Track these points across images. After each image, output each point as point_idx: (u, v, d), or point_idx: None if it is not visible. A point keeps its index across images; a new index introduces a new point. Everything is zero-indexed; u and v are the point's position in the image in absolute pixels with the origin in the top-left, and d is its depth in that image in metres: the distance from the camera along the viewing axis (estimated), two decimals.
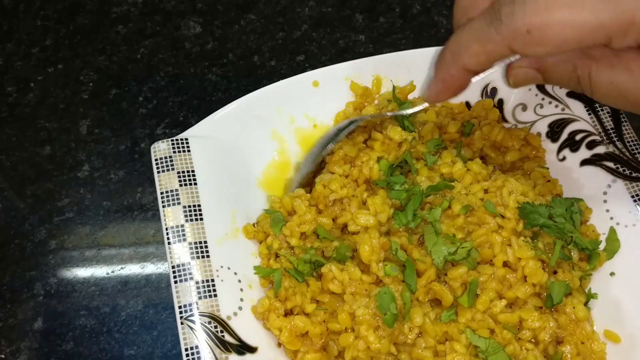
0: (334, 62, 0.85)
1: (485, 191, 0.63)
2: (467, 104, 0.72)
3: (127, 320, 0.68)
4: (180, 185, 0.61)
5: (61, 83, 0.85)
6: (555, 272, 0.60)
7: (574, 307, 0.59)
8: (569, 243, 0.60)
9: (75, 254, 0.73)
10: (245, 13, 0.91)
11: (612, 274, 0.61)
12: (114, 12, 0.91)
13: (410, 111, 0.64)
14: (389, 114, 0.66)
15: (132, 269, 0.72)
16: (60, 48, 0.88)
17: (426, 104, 0.62)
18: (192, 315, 0.56)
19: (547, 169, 0.67)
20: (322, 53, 0.87)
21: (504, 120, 0.71)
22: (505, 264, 0.59)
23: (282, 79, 0.84)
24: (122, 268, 0.72)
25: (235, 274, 0.60)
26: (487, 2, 0.50)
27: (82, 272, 0.71)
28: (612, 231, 0.62)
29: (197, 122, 0.81)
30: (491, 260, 0.59)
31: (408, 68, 0.71)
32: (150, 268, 0.72)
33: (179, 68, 0.86)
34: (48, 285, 0.70)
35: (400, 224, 0.60)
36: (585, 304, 0.60)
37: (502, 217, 0.61)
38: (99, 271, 0.72)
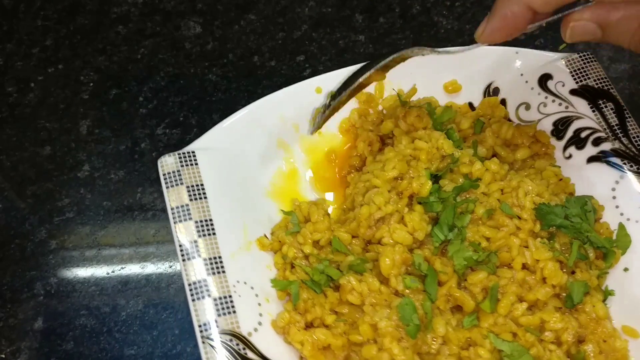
0: (334, 62, 0.86)
1: (501, 191, 0.63)
2: (471, 105, 0.72)
3: (128, 320, 0.68)
4: (191, 199, 0.60)
5: (61, 83, 0.85)
6: (573, 272, 0.60)
7: (593, 306, 0.59)
8: (585, 242, 0.60)
9: (75, 254, 0.73)
10: (245, 13, 0.91)
11: (625, 269, 0.61)
12: (114, 12, 0.91)
13: (459, 49, 0.60)
14: (436, 49, 0.62)
15: (132, 269, 0.72)
16: (60, 48, 0.88)
17: (478, 44, 0.58)
18: (212, 333, 0.54)
19: (559, 167, 0.67)
20: (322, 53, 0.87)
21: (507, 120, 0.71)
22: (524, 266, 0.59)
23: (282, 79, 0.85)
24: (122, 268, 0.72)
25: (252, 288, 0.59)
26: None
27: (83, 272, 0.72)
28: (622, 227, 0.62)
29: (197, 122, 0.81)
30: (509, 264, 0.59)
31: (410, 71, 0.70)
32: (151, 268, 0.72)
33: (179, 68, 0.86)
34: (48, 285, 0.70)
35: (438, 241, 0.60)
36: (603, 301, 0.60)
37: (519, 218, 0.61)
38: (99, 271, 0.72)
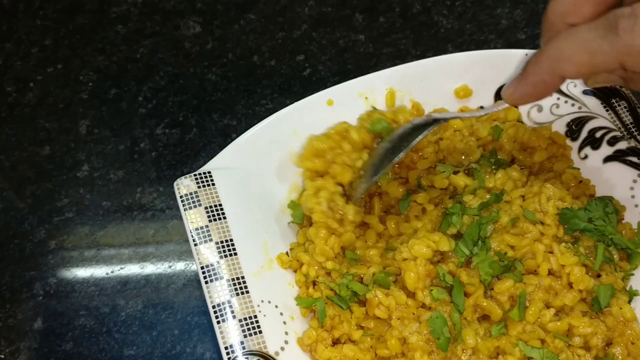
0: (334, 61, 0.86)
1: (522, 198, 0.62)
2: (482, 109, 0.72)
3: (127, 320, 0.68)
4: (210, 220, 0.59)
5: (61, 83, 0.85)
6: (598, 276, 0.60)
7: (620, 308, 0.58)
8: (609, 245, 0.60)
9: (74, 254, 0.72)
10: (245, 13, 0.91)
11: None
12: (114, 12, 0.91)
13: (491, 110, 0.60)
14: (473, 114, 0.63)
15: (132, 269, 0.72)
16: (59, 48, 0.88)
17: (503, 104, 0.57)
18: (238, 355, 0.54)
19: (578, 169, 0.66)
20: (322, 53, 0.87)
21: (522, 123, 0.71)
22: (549, 272, 0.59)
23: (282, 78, 0.84)
24: (121, 268, 0.72)
25: (277, 307, 0.59)
26: (591, 9, 0.48)
27: (82, 272, 0.71)
28: None
29: (196, 121, 0.81)
30: (535, 270, 0.59)
31: (421, 78, 0.70)
32: (150, 268, 0.72)
33: (178, 68, 0.86)
34: (47, 286, 0.70)
35: (463, 256, 0.59)
36: (629, 302, 0.60)
37: (542, 224, 0.60)
38: (99, 271, 0.71)
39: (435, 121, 0.59)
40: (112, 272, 0.71)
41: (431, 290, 0.58)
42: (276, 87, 0.84)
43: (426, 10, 0.90)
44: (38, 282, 0.70)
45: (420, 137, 0.59)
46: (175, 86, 0.84)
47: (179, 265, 0.71)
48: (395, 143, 0.61)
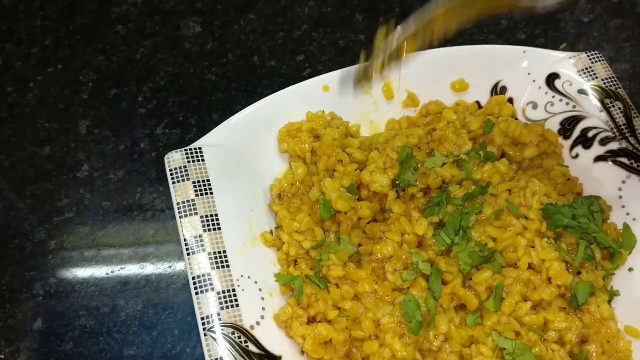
0: (334, 62, 0.86)
1: (509, 191, 0.63)
2: (478, 104, 0.72)
3: (127, 320, 0.68)
4: (197, 195, 0.61)
5: (61, 83, 0.85)
6: (579, 272, 0.60)
7: (598, 306, 0.59)
8: (591, 243, 0.60)
9: (74, 254, 0.72)
10: (245, 13, 0.91)
11: (630, 269, 0.62)
12: (114, 12, 0.91)
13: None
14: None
15: (132, 269, 0.72)
16: (59, 48, 0.87)
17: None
18: (214, 326, 0.55)
19: (567, 167, 0.67)
20: (322, 53, 0.87)
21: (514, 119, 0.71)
22: (529, 266, 0.59)
23: (282, 78, 0.84)
24: (121, 268, 0.72)
25: (256, 282, 0.60)
26: None
27: (82, 272, 0.71)
28: (627, 227, 0.63)
29: (196, 121, 0.81)
30: (515, 263, 0.59)
31: (417, 69, 0.71)
32: (150, 268, 0.72)
33: (178, 68, 0.86)
34: (47, 286, 0.70)
35: (444, 245, 0.60)
36: (609, 302, 0.60)
37: (526, 218, 0.61)
38: (99, 271, 0.71)
39: None
40: (112, 272, 0.71)
41: (401, 272, 0.59)
42: (276, 87, 0.84)
43: None
44: (38, 282, 0.70)
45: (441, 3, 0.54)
46: (175, 86, 0.84)
47: (179, 265, 0.71)
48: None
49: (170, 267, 0.72)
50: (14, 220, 0.75)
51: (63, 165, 0.78)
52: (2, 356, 0.66)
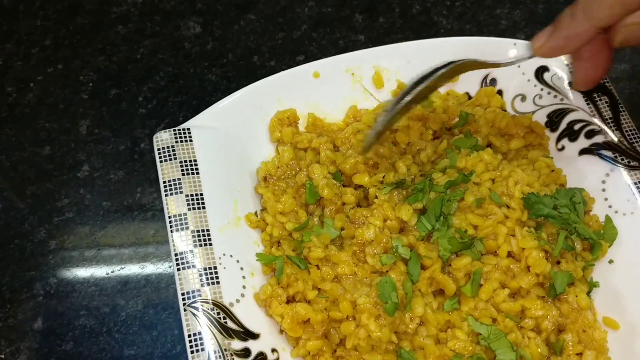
0: None
1: (492, 181, 0.63)
2: (468, 95, 0.73)
3: (127, 320, 0.68)
4: (183, 174, 0.62)
5: (61, 83, 0.85)
6: (558, 262, 0.61)
7: (576, 296, 0.59)
8: (572, 233, 0.61)
9: (75, 254, 0.73)
10: (245, 13, 0.91)
11: (610, 261, 0.62)
12: (114, 12, 0.91)
13: (517, 61, 0.60)
14: (495, 61, 0.61)
15: (132, 269, 0.72)
16: (60, 48, 0.88)
17: (531, 56, 0.58)
18: (195, 302, 0.56)
19: (552, 158, 0.67)
20: (322, 53, 0.87)
21: (503, 111, 0.72)
22: (509, 255, 0.60)
23: None
24: (121, 268, 0.72)
25: (238, 261, 0.61)
26: None
27: (82, 272, 0.71)
28: (608, 219, 0.63)
29: None
30: (495, 251, 0.60)
31: (408, 59, 0.71)
32: (150, 268, 0.72)
33: (178, 68, 0.86)
34: (48, 286, 0.70)
35: (425, 230, 0.60)
36: (588, 293, 0.61)
37: (508, 207, 0.61)
38: (99, 271, 0.72)
39: (450, 63, 0.60)
40: (112, 272, 0.71)
41: (381, 256, 0.59)
42: None
43: (426, 11, 0.90)
44: (38, 282, 0.70)
45: (432, 77, 0.59)
46: (175, 86, 0.84)
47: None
48: (408, 90, 0.60)
49: (170, 267, 0.72)
50: (14, 220, 0.75)
51: (63, 165, 0.78)
52: (3, 356, 0.66)
